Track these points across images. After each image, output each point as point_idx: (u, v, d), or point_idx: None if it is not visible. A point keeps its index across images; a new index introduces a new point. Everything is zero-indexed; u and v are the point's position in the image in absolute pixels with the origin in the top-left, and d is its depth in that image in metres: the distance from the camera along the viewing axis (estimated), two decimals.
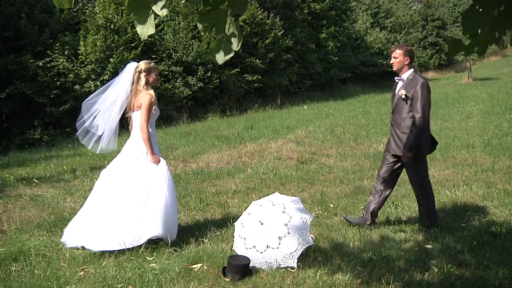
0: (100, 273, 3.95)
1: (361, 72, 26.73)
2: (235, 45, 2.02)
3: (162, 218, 4.40)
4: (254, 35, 18.49)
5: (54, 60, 12.50)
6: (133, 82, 4.63)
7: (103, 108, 4.62)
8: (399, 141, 4.86)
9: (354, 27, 27.67)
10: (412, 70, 4.89)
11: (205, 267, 4.04)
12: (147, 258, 4.27)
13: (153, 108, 4.58)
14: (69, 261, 4.23)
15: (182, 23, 16.70)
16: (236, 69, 17.32)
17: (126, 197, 4.43)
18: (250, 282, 3.79)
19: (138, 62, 4.77)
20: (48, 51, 12.43)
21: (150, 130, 4.59)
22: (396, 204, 5.84)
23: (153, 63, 4.76)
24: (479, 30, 2.25)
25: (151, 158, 4.54)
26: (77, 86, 12.63)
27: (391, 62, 4.98)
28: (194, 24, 16.96)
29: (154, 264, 4.13)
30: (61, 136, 12.35)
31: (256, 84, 18.53)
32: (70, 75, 12.53)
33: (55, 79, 12.56)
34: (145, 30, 1.92)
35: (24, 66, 12.23)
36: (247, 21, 17.99)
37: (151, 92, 4.62)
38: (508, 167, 7.42)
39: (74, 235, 4.47)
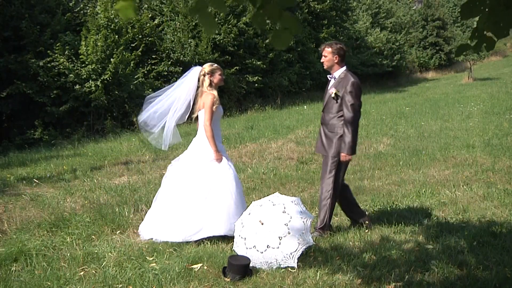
0: (100, 273, 3.96)
1: (362, 72, 26.69)
2: (295, 31, 2.27)
3: (225, 218, 4.58)
4: (255, 35, 18.49)
5: (55, 60, 12.49)
6: (198, 85, 4.88)
7: (161, 109, 4.90)
8: (326, 139, 4.82)
9: (355, 27, 27.65)
10: (344, 68, 4.84)
11: (205, 267, 4.04)
12: (147, 258, 4.27)
13: (215, 107, 4.78)
14: (69, 261, 4.23)
15: (179, 23, 16.70)
16: (236, 67, 17.30)
17: (187, 192, 4.68)
18: (250, 282, 3.80)
19: (201, 65, 5.00)
20: (48, 51, 12.43)
21: (214, 126, 4.79)
22: (396, 204, 5.84)
23: (216, 64, 4.96)
24: (478, 20, 2.28)
25: (215, 155, 4.70)
26: (77, 86, 12.63)
27: (321, 60, 4.90)
28: (193, 24, 16.96)
29: (154, 264, 4.13)
30: (61, 136, 12.34)
31: (256, 84, 18.52)
32: (71, 75, 12.53)
33: (55, 79, 12.56)
34: (210, 28, 2.19)
35: (25, 66, 12.23)
36: (248, 21, 17.99)
37: (214, 92, 4.84)
38: (508, 167, 7.42)
39: (146, 228, 4.81)
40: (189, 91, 4.87)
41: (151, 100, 4.96)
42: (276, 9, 2.18)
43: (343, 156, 4.70)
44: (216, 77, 4.86)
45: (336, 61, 4.79)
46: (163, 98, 4.93)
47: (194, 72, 4.90)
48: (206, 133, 4.74)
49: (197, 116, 4.92)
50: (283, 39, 2.30)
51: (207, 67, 4.87)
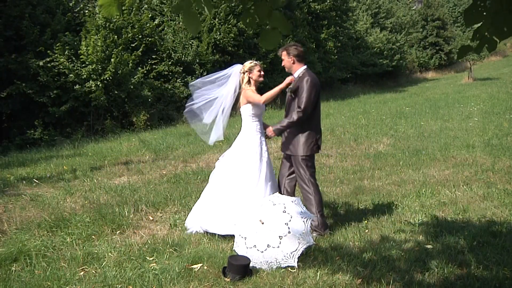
0: (100, 273, 3.96)
1: (362, 72, 26.70)
2: (284, 31, 2.25)
3: None
4: (255, 36, 18.49)
5: (55, 60, 12.49)
6: (240, 84, 5.03)
7: (210, 104, 5.07)
8: (292, 139, 4.89)
9: (355, 27, 27.65)
10: (303, 68, 4.88)
11: (205, 267, 4.05)
12: (147, 258, 4.27)
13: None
14: (69, 261, 4.23)
15: (180, 23, 16.69)
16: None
17: (234, 187, 4.81)
18: (250, 282, 3.80)
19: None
20: (48, 51, 12.43)
21: (257, 121, 4.96)
22: (396, 204, 5.84)
23: (255, 62, 5.10)
24: (481, 23, 2.28)
25: (285, 84, 4.82)
26: (77, 86, 12.63)
27: (282, 64, 4.98)
28: None
29: (154, 264, 4.13)
30: (61, 136, 12.33)
31: None
32: (71, 75, 12.52)
33: (55, 79, 12.56)
34: (194, 28, 2.21)
35: (25, 66, 12.22)
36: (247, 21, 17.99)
37: (252, 88, 4.96)
38: (508, 167, 7.42)
39: (193, 221, 4.98)
40: (234, 90, 5.03)
41: (198, 92, 5.12)
42: (266, 8, 2.17)
43: (269, 130, 4.89)
44: (254, 74, 4.96)
45: (292, 62, 4.88)
46: (211, 94, 5.08)
47: (236, 70, 5.04)
48: (266, 99, 4.83)
49: (240, 113, 5.05)
50: (272, 39, 2.25)
51: (247, 64, 5.01)
